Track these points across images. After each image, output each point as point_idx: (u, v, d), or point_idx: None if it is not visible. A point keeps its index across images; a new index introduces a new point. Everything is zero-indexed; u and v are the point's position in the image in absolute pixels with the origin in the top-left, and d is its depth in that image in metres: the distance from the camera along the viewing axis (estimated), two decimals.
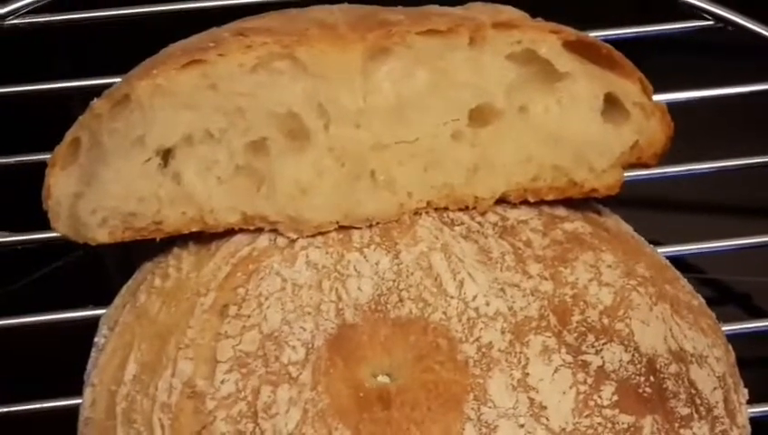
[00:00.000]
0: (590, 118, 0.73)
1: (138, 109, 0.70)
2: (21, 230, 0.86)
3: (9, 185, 0.89)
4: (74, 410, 0.71)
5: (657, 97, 0.74)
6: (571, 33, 0.73)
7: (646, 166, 0.75)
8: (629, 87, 0.73)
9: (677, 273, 0.75)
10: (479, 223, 0.72)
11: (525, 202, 0.74)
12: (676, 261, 0.77)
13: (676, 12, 0.96)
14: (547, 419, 0.65)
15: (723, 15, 0.95)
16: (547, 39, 0.72)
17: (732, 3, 0.96)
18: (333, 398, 0.65)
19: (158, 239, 0.72)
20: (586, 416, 0.65)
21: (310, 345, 0.67)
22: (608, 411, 0.66)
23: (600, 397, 0.66)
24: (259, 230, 0.72)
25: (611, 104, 0.74)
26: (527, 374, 0.66)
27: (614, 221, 0.76)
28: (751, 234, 0.89)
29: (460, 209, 0.73)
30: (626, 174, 0.75)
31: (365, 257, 0.70)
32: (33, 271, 0.96)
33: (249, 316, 0.68)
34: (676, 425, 0.66)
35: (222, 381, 0.66)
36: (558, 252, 0.71)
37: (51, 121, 0.75)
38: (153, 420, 0.66)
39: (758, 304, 0.94)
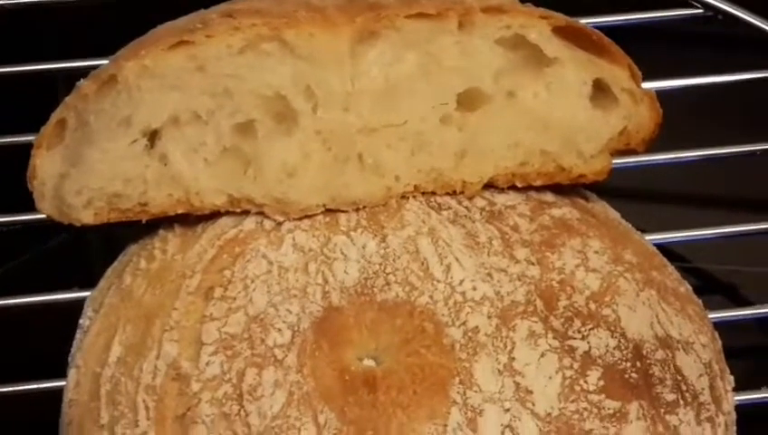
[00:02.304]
0: (579, 103, 0.73)
1: (124, 90, 0.69)
2: (5, 212, 0.86)
3: None
4: (58, 392, 0.71)
5: (645, 85, 0.74)
6: (560, 18, 0.72)
7: (634, 152, 0.75)
8: (618, 73, 0.73)
9: (665, 260, 0.75)
10: (466, 207, 0.72)
11: (513, 187, 0.74)
12: (661, 249, 0.77)
13: (667, 0, 0.96)
14: (533, 403, 0.65)
15: (712, 4, 0.95)
16: (536, 24, 0.72)
17: None
18: (319, 381, 0.65)
19: (143, 221, 0.72)
20: (572, 401, 0.65)
21: (296, 328, 0.67)
22: (594, 397, 0.66)
23: (586, 382, 0.66)
24: (245, 213, 0.72)
25: (600, 90, 0.74)
26: (513, 359, 0.66)
27: (602, 207, 0.76)
28: (735, 223, 0.89)
29: (447, 194, 0.73)
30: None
31: (352, 241, 0.70)
32: (18, 255, 0.96)
33: (235, 299, 0.68)
34: (662, 411, 0.66)
35: (207, 364, 0.66)
36: (545, 237, 0.71)
37: (37, 103, 0.74)
38: (137, 402, 0.66)
39: (742, 293, 0.95)
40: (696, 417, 0.67)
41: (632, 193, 0.92)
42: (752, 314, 0.86)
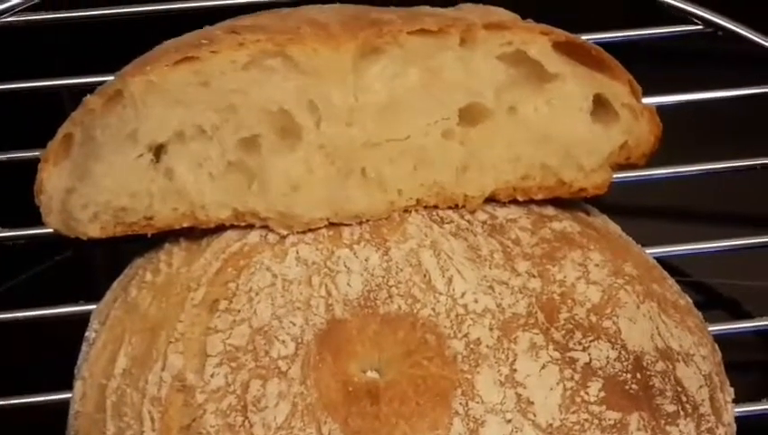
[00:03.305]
0: (580, 118, 0.74)
1: (130, 105, 0.70)
2: (12, 226, 0.86)
3: (1, 181, 0.90)
4: (65, 404, 0.71)
5: (645, 100, 0.74)
6: (561, 34, 0.73)
7: (634, 166, 0.76)
8: (618, 88, 0.74)
9: (665, 272, 0.75)
10: (468, 221, 0.73)
11: (514, 201, 0.74)
12: (661, 263, 0.77)
13: (666, 16, 0.97)
14: (534, 414, 0.65)
15: (712, 20, 0.95)
16: (537, 40, 0.73)
17: (722, 7, 0.96)
18: (322, 392, 0.66)
19: (149, 235, 0.73)
20: (573, 412, 0.66)
21: (299, 340, 0.67)
22: (594, 408, 0.66)
23: (586, 393, 0.66)
24: (250, 226, 0.72)
25: (600, 105, 0.74)
26: (515, 370, 0.67)
27: (602, 221, 0.77)
28: (735, 237, 0.90)
29: (450, 207, 0.73)
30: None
31: (355, 254, 0.70)
32: (25, 269, 0.97)
33: (239, 311, 0.68)
34: (663, 422, 0.67)
35: (212, 375, 0.66)
36: (546, 250, 0.72)
37: (43, 118, 0.75)
38: (143, 414, 0.66)
39: (741, 307, 0.95)
40: (696, 428, 0.68)
41: (632, 207, 0.92)
42: (751, 327, 0.86)
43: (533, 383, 0.66)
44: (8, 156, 0.90)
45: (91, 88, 0.72)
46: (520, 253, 0.71)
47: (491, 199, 0.74)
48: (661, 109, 0.75)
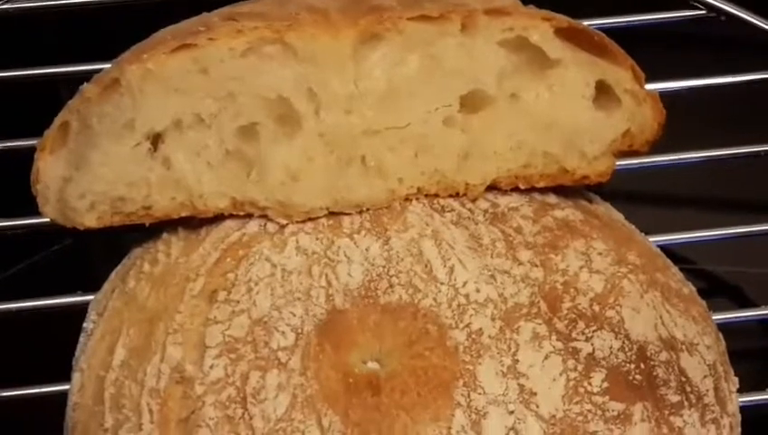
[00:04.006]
0: (582, 105, 0.73)
1: (127, 93, 0.70)
2: (9, 216, 0.86)
3: None
4: (63, 396, 0.71)
5: (648, 86, 0.74)
6: (563, 20, 0.73)
7: (637, 153, 0.75)
8: (621, 74, 0.73)
9: (668, 261, 0.75)
10: (470, 210, 0.72)
11: (516, 189, 0.74)
12: (664, 251, 0.77)
13: (669, 1, 0.96)
14: (537, 405, 0.65)
15: (715, 5, 0.95)
16: (539, 26, 0.72)
17: None
18: (322, 384, 0.65)
19: (147, 224, 0.72)
20: (576, 403, 0.65)
21: (299, 331, 0.67)
22: (598, 398, 0.66)
23: (590, 384, 0.66)
24: (249, 216, 0.72)
25: (603, 92, 0.74)
26: (517, 361, 0.66)
27: (605, 209, 0.77)
28: (738, 224, 0.89)
29: (451, 196, 0.73)
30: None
31: (355, 243, 0.70)
32: (22, 259, 0.96)
33: (238, 302, 0.68)
34: (666, 412, 0.66)
35: (211, 367, 0.66)
36: (549, 239, 0.71)
37: (38, 107, 0.74)
38: (141, 405, 0.66)
39: (746, 295, 0.95)
40: (700, 418, 0.67)
41: (635, 195, 0.92)
42: (756, 315, 0.86)
43: (536, 374, 0.66)
44: (4, 145, 0.89)
45: (87, 76, 0.72)
46: (522, 242, 0.71)
47: (492, 187, 0.74)
48: (664, 95, 0.75)
